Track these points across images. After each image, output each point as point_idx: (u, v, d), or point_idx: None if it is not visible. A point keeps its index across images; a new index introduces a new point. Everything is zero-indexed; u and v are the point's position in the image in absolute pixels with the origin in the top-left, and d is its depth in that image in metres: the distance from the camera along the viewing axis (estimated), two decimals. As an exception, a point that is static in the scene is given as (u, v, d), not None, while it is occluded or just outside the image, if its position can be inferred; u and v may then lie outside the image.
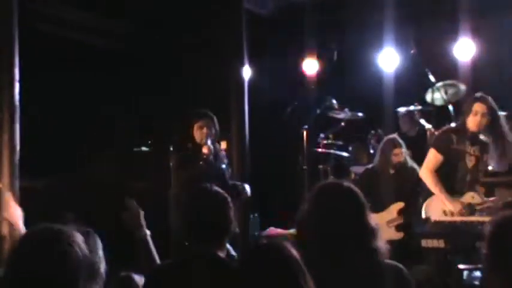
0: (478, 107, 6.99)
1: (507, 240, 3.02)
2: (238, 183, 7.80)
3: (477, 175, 7.00)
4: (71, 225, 3.81)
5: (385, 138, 8.24)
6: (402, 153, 7.89)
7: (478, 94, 7.18)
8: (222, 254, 3.92)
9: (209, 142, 7.42)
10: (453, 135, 7.10)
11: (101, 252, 3.61)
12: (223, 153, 7.93)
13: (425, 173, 7.10)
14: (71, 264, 2.91)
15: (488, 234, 3.11)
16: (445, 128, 7.43)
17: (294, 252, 2.89)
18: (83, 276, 2.95)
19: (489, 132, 7.01)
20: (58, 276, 2.87)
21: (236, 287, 2.97)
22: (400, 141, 8.01)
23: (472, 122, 6.97)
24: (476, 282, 6.96)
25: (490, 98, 7.11)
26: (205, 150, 7.36)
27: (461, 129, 7.08)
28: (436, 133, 8.93)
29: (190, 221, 4.00)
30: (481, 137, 7.06)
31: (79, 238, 3.00)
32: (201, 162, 7.39)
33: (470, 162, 7.01)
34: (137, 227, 4.37)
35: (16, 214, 4.78)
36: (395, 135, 8.23)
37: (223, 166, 7.68)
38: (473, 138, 7.04)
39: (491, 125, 6.96)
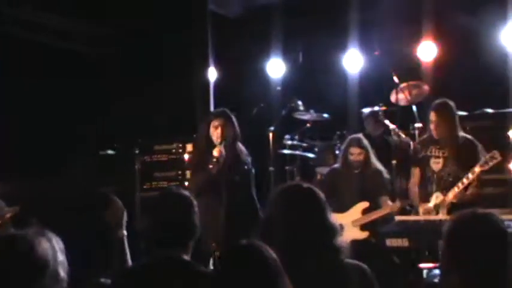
0: (432, 116, 7.21)
1: (464, 237, 3.07)
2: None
3: (445, 175, 7.06)
4: (34, 230, 3.83)
5: (348, 138, 8.24)
6: (360, 153, 7.86)
7: (436, 101, 7.38)
8: (186, 257, 3.90)
9: (222, 144, 7.10)
10: (419, 145, 7.33)
11: (60, 256, 3.63)
12: (245, 156, 7.44)
13: (411, 188, 7.39)
14: (28, 267, 2.94)
15: (446, 232, 3.17)
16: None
17: (273, 253, 2.89)
18: (40, 280, 2.96)
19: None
20: (14, 278, 2.90)
21: None
22: (361, 141, 7.98)
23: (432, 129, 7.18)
24: (436, 280, 7.03)
25: (445, 105, 7.31)
26: (215, 152, 7.04)
27: (428, 136, 7.28)
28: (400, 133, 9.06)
29: (154, 224, 4.01)
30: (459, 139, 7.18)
31: (38, 242, 3.02)
32: (210, 166, 7.05)
33: (436, 164, 7.09)
34: (118, 227, 4.37)
35: None
36: (355, 135, 8.23)
37: (245, 168, 7.33)
38: (441, 142, 7.14)
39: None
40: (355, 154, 7.83)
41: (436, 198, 6.95)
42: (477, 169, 6.66)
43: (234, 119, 7.30)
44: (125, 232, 4.40)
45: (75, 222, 4.26)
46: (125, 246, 4.39)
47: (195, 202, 4.08)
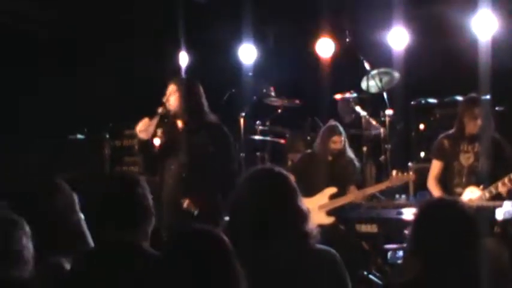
0: (477, 111, 6.98)
1: (430, 222, 3.14)
2: None
3: (476, 169, 6.93)
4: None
5: (326, 125, 8.19)
6: (341, 141, 7.87)
7: (472, 97, 7.19)
8: (145, 243, 3.83)
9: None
10: (445, 140, 7.15)
11: (25, 240, 3.66)
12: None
13: (430, 183, 7.17)
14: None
15: (415, 217, 3.24)
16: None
17: (225, 239, 2.77)
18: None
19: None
20: None
21: (153, 274, 2.75)
22: (341, 129, 7.95)
23: (468, 124, 7.00)
24: (399, 261, 7.13)
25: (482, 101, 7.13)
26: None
27: (456, 131, 7.13)
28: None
29: (100, 207, 3.95)
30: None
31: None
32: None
33: (467, 159, 7.02)
34: (72, 212, 4.38)
35: None
36: (336, 123, 8.22)
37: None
38: (471, 138, 7.01)
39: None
40: (338, 142, 7.82)
41: (471, 193, 6.72)
42: None
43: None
44: (82, 215, 4.41)
45: (37, 207, 4.29)
46: (83, 229, 4.41)
47: (143, 181, 3.96)
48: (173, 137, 6.63)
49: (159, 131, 6.64)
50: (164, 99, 6.60)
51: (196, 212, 6.37)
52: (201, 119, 6.60)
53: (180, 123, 6.65)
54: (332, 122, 8.19)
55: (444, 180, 7.07)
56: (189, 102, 6.57)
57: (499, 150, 6.86)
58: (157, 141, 6.68)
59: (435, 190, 7.01)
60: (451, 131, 7.15)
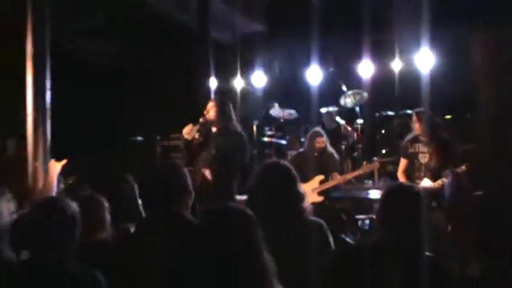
0: (413, 117, 7.01)
1: (389, 202, 3.17)
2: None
3: (431, 166, 6.83)
4: (89, 192, 3.95)
5: (311, 130, 8.12)
6: (323, 141, 7.84)
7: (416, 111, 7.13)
8: (186, 211, 3.83)
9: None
10: (408, 143, 7.06)
11: (106, 213, 3.77)
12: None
13: (399, 174, 7.12)
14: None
15: (381, 196, 3.28)
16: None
17: (250, 213, 2.64)
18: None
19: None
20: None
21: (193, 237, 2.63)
22: (322, 132, 7.87)
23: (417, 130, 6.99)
24: (367, 228, 7.16)
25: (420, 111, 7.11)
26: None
27: (413, 136, 7.05)
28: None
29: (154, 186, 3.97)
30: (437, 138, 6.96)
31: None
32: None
33: (424, 158, 6.89)
34: (133, 196, 4.46)
35: (54, 173, 4.94)
36: (319, 128, 8.21)
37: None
38: (425, 141, 6.93)
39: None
40: (320, 142, 7.78)
41: (425, 182, 6.71)
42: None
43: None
44: (139, 199, 4.48)
45: (113, 189, 4.37)
46: (139, 207, 4.49)
47: (183, 168, 4.00)
48: (208, 139, 6.68)
49: (197, 135, 6.69)
50: (205, 112, 6.66)
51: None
52: (228, 127, 6.62)
53: (214, 129, 6.68)
54: (316, 128, 8.18)
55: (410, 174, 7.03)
56: (221, 114, 6.61)
57: (447, 150, 6.84)
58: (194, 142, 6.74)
59: (403, 180, 6.92)
60: (411, 136, 7.16)
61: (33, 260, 3.01)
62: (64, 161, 5.56)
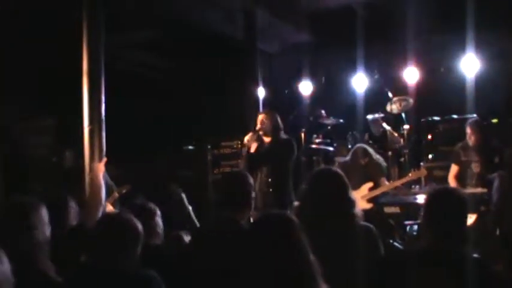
0: (468, 129, 6.97)
1: (435, 205, 3.16)
2: None
3: (484, 175, 6.76)
4: (140, 201, 4.01)
5: (356, 146, 8.06)
6: (366, 162, 7.65)
7: (471, 120, 7.08)
8: (242, 221, 3.90)
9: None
10: (460, 150, 7.06)
11: (158, 220, 3.82)
12: None
13: (450, 180, 7.12)
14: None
15: (424, 201, 3.26)
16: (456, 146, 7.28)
17: (294, 218, 2.74)
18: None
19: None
20: None
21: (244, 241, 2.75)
22: (367, 149, 7.81)
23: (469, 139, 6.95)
24: (415, 233, 7.06)
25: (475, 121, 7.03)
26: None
27: (465, 143, 7.03)
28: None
29: (221, 194, 4.07)
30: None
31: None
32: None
33: (476, 168, 6.89)
34: (183, 204, 4.51)
35: (99, 172, 5.06)
36: (364, 145, 8.04)
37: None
38: (477, 149, 6.91)
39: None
40: (364, 161, 7.71)
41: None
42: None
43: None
44: (190, 207, 4.52)
45: (163, 198, 4.42)
46: (192, 216, 4.52)
47: (249, 179, 4.08)
48: (261, 148, 6.94)
49: (253, 144, 6.95)
50: (258, 123, 6.98)
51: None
52: (278, 136, 6.93)
53: (266, 139, 6.95)
54: (361, 145, 8.05)
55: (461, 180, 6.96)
56: (272, 126, 6.92)
57: (499, 158, 6.75)
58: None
59: (454, 185, 6.86)
60: (463, 143, 7.04)
61: (101, 270, 3.04)
62: (105, 159, 5.68)
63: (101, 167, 5.31)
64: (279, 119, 7.05)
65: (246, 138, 6.92)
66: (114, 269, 3.00)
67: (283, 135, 7.00)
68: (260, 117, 7.02)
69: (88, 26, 5.97)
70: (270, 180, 6.76)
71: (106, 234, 3.07)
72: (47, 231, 3.24)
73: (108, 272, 3.00)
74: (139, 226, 3.14)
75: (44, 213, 3.27)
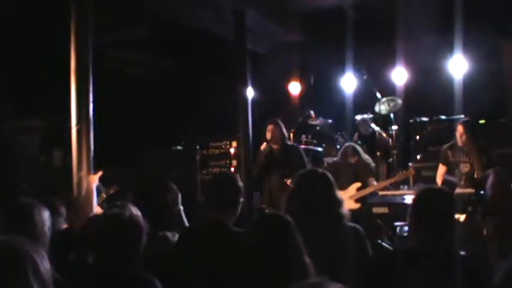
0: (459, 128, 6.96)
1: (422, 205, 3.14)
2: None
3: (472, 176, 6.81)
4: (130, 202, 3.95)
5: (345, 145, 8.13)
6: (356, 160, 7.71)
7: (462, 119, 7.11)
8: (230, 222, 3.83)
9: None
10: (448, 150, 7.08)
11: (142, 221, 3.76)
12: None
13: (438, 180, 7.17)
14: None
15: (413, 200, 3.25)
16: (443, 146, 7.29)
17: (290, 219, 2.82)
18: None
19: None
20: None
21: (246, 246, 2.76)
22: (356, 148, 7.88)
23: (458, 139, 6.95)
24: (405, 234, 7.06)
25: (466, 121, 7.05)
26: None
27: (454, 143, 7.05)
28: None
29: (209, 196, 4.01)
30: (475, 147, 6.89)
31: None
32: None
33: (465, 168, 6.91)
34: (175, 203, 4.45)
35: (91, 184, 5.04)
36: (352, 144, 8.13)
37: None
38: (465, 150, 6.91)
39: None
40: (354, 159, 7.73)
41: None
42: None
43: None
44: (181, 207, 4.47)
45: (152, 198, 4.36)
46: (182, 215, 4.48)
47: (238, 181, 4.01)
48: (270, 155, 8.01)
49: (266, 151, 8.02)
50: (268, 133, 7.96)
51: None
52: (285, 143, 8.08)
53: (274, 147, 8.01)
54: (350, 144, 8.11)
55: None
56: (280, 135, 7.97)
57: (487, 159, 6.79)
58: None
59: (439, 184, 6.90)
60: (451, 143, 7.05)
61: (102, 269, 3.00)
62: (100, 172, 5.65)
63: (95, 179, 5.28)
64: (284, 128, 8.04)
65: (262, 147, 8.01)
66: (117, 269, 2.96)
67: (289, 142, 8.19)
68: (269, 127, 7.88)
69: (76, 24, 5.90)
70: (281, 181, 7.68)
71: (110, 234, 3.03)
72: (49, 233, 3.25)
73: (110, 272, 2.95)
74: (142, 223, 3.10)
75: (47, 215, 3.28)
